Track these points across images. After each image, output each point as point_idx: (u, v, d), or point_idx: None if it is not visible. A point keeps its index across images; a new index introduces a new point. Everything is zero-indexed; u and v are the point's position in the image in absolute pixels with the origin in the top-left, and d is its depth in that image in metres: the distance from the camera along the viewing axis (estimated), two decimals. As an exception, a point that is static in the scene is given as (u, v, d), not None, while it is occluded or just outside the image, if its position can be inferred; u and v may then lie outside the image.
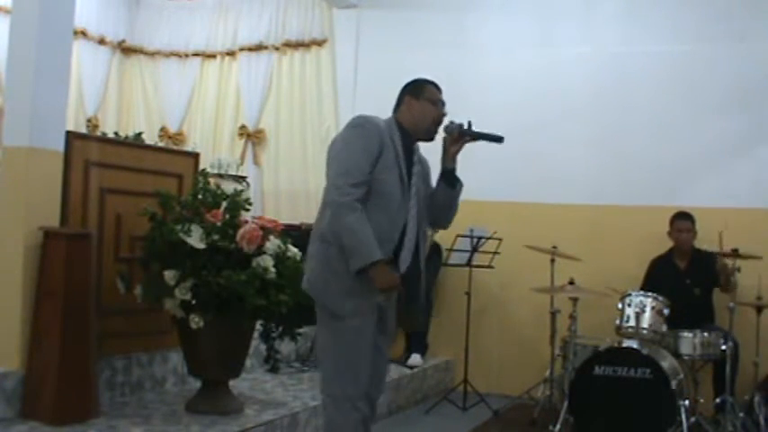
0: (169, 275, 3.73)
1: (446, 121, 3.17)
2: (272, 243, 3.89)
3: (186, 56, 7.81)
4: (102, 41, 7.62)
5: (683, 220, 5.46)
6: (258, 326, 4.30)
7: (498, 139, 3.12)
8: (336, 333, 2.98)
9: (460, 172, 3.17)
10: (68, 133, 3.97)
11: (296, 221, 6.01)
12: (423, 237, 3.13)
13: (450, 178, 3.15)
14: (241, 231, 3.75)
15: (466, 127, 3.12)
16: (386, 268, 2.88)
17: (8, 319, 3.70)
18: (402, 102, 3.17)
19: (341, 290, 2.95)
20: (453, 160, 3.14)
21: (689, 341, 4.89)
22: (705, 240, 5.41)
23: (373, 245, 2.86)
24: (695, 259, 5.47)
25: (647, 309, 4.86)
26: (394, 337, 3.29)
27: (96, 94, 7.58)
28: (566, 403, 4.74)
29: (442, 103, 3.17)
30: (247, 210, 3.98)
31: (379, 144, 2.96)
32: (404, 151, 3.06)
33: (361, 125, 3.01)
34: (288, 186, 7.26)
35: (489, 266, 5.71)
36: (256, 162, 7.45)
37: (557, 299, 5.25)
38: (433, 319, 6.17)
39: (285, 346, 4.98)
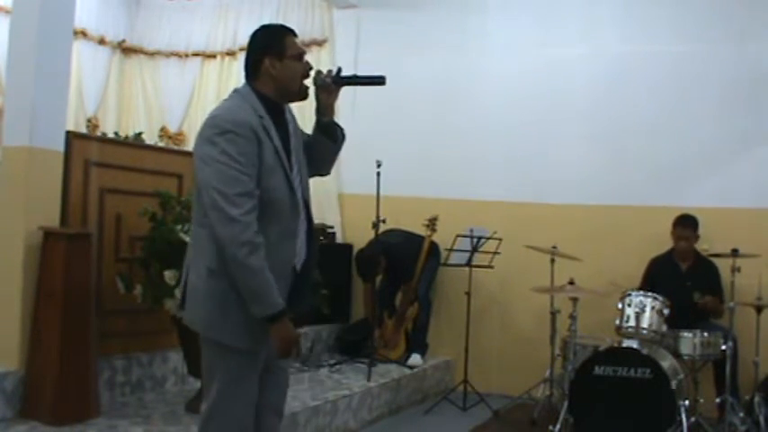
0: (169, 275, 3.73)
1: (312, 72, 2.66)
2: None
3: (186, 56, 7.79)
4: (102, 41, 7.61)
5: (684, 228, 5.40)
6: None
7: (380, 80, 2.66)
8: (227, 365, 2.56)
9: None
10: (68, 133, 3.98)
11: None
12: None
13: (331, 131, 2.72)
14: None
15: (334, 73, 2.67)
16: (288, 321, 2.48)
17: (8, 319, 3.71)
18: (261, 66, 2.56)
19: (238, 322, 2.50)
20: (331, 112, 2.71)
21: (689, 341, 4.88)
22: (704, 240, 5.41)
23: (276, 290, 2.45)
24: (698, 262, 5.44)
25: (647, 309, 4.86)
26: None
27: (96, 94, 7.56)
28: (566, 403, 4.73)
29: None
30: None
31: (258, 147, 2.46)
32: (278, 133, 2.55)
33: (232, 131, 2.42)
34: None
35: (489, 266, 5.71)
36: (257, 162, 7.43)
37: (557, 299, 5.24)
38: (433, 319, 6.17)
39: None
